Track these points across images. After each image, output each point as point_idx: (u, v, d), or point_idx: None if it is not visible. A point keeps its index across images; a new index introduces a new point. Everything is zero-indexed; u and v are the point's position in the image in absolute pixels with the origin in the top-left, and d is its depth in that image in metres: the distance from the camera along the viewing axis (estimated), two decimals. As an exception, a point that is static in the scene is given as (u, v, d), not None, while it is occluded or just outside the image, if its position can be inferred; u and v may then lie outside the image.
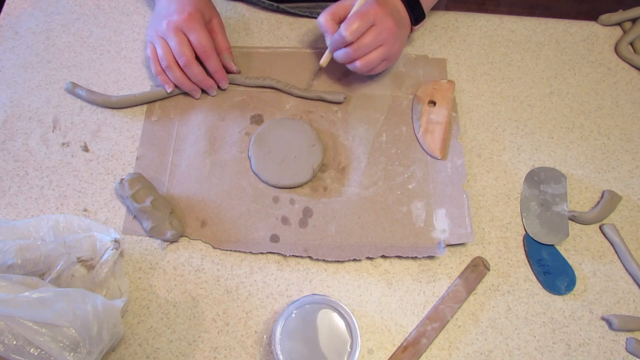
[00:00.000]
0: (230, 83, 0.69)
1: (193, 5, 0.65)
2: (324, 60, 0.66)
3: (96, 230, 0.57)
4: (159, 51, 0.65)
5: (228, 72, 0.69)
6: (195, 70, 0.65)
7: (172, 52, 0.64)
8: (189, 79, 0.66)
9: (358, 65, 0.63)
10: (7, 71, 0.69)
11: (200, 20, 0.64)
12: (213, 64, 0.66)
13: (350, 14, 0.63)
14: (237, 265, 0.60)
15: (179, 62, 0.64)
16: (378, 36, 0.62)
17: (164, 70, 0.66)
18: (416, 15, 0.68)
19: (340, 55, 0.64)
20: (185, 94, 0.69)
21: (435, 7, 0.87)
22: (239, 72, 0.70)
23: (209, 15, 0.67)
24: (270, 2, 0.75)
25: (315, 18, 0.76)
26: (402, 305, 0.59)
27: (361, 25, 0.61)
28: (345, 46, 0.62)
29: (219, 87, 0.69)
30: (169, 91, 0.67)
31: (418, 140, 0.68)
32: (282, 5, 0.75)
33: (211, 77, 0.67)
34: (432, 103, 0.70)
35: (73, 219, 0.57)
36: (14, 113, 0.66)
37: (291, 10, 0.76)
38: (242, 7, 0.77)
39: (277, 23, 0.76)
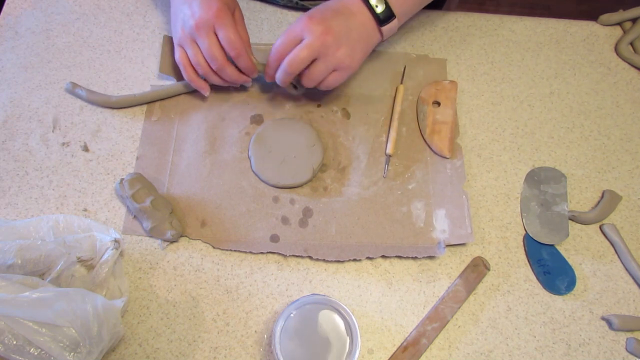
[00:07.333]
0: None
1: None
2: (391, 148, 0.66)
3: (96, 230, 0.57)
4: (192, 58, 0.62)
5: None
6: (229, 71, 0.62)
7: (204, 57, 0.62)
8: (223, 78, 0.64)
9: (303, 82, 0.62)
10: (7, 71, 0.69)
11: (228, 14, 0.61)
12: (244, 62, 0.63)
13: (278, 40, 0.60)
14: (237, 265, 0.60)
15: (212, 67, 0.62)
16: (310, 51, 0.58)
17: (198, 77, 0.64)
18: (381, 13, 0.60)
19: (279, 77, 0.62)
20: (186, 93, 0.68)
21: (446, 7, 0.86)
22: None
23: (233, 6, 0.64)
24: None
25: None
26: (402, 305, 0.59)
27: (286, 47, 0.59)
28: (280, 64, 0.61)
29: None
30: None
31: (425, 141, 0.68)
32: (301, 2, 0.74)
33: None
34: (437, 104, 0.69)
35: (73, 219, 0.57)
36: (14, 113, 0.66)
37: (310, 6, 0.74)
38: (243, 7, 0.77)
39: (277, 23, 0.76)
